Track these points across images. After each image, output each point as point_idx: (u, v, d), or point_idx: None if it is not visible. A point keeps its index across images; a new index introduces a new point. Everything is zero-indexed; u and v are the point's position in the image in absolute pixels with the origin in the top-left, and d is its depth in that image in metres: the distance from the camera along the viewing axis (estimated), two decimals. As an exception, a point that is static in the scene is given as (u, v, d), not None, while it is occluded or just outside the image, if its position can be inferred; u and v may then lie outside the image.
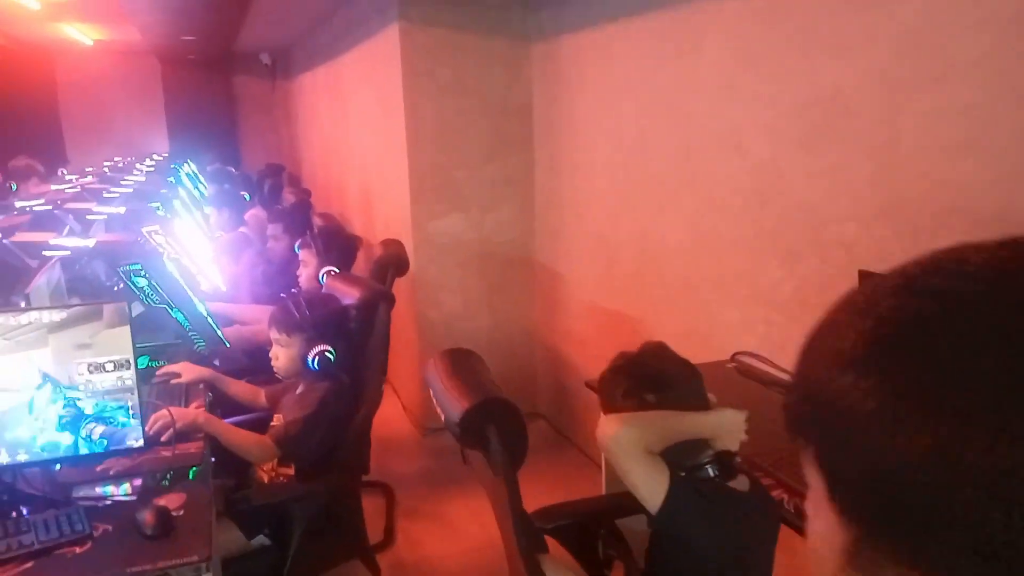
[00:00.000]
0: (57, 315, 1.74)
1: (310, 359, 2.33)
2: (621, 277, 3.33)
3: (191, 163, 8.52)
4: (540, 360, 4.27)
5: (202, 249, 4.24)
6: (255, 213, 5.57)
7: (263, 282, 4.25)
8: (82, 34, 7.30)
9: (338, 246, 3.22)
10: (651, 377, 1.48)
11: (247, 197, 5.81)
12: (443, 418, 1.53)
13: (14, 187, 6.78)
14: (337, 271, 3.15)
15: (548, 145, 3.95)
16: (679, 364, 1.51)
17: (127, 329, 1.78)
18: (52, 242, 2.48)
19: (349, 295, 2.49)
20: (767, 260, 2.43)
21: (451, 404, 1.48)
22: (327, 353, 2.33)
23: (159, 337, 2.75)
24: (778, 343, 2.37)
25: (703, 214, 2.72)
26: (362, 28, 4.82)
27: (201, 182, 8.16)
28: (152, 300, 2.63)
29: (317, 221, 4.24)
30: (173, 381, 2.47)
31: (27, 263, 2.55)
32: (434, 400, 1.59)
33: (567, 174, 3.79)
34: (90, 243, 2.51)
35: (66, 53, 8.77)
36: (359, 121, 5.26)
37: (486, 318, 4.28)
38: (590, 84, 3.50)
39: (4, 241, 2.76)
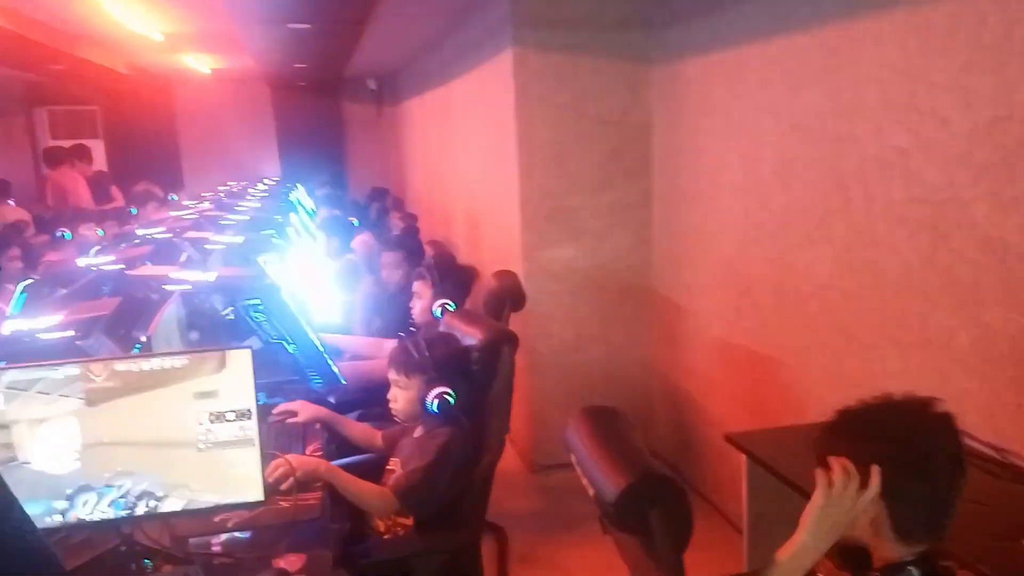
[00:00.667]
0: (179, 361, 1.65)
1: (429, 402, 2.20)
2: (755, 313, 3.08)
3: (301, 186, 8.72)
4: (658, 397, 4.03)
5: (315, 278, 4.22)
6: (363, 239, 5.56)
7: (375, 312, 4.19)
8: (200, 63, 7.56)
9: (453, 278, 3.09)
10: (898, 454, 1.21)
11: (355, 223, 5.81)
12: (590, 493, 1.34)
13: (134, 211, 7.07)
14: (452, 304, 3.02)
15: (669, 170, 3.74)
16: (943, 437, 1.22)
17: (250, 377, 1.68)
18: (173, 275, 2.45)
19: (470, 334, 2.34)
20: (940, 303, 2.14)
21: (603, 480, 1.29)
22: (447, 396, 2.19)
23: (275, 373, 2.68)
24: (955, 398, 2.07)
25: (859, 248, 2.45)
26: (473, 53, 4.74)
27: (311, 207, 8.33)
28: (270, 336, 2.57)
29: (429, 250, 4.14)
30: (289, 420, 2.39)
31: (150, 296, 2.54)
32: (577, 468, 1.41)
33: (690, 200, 3.56)
34: (210, 277, 2.46)
35: (185, 81, 9.14)
36: (467, 146, 5.18)
37: (599, 350, 4.08)
38: (718, 106, 3.27)
39: (128, 273, 2.77)
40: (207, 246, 3.43)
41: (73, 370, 1.60)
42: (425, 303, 3.13)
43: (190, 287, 2.46)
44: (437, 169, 6.53)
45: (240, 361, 1.68)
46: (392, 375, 2.28)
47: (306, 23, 4.42)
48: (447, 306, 3.02)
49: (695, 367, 3.63)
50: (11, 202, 7.00)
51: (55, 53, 5.28)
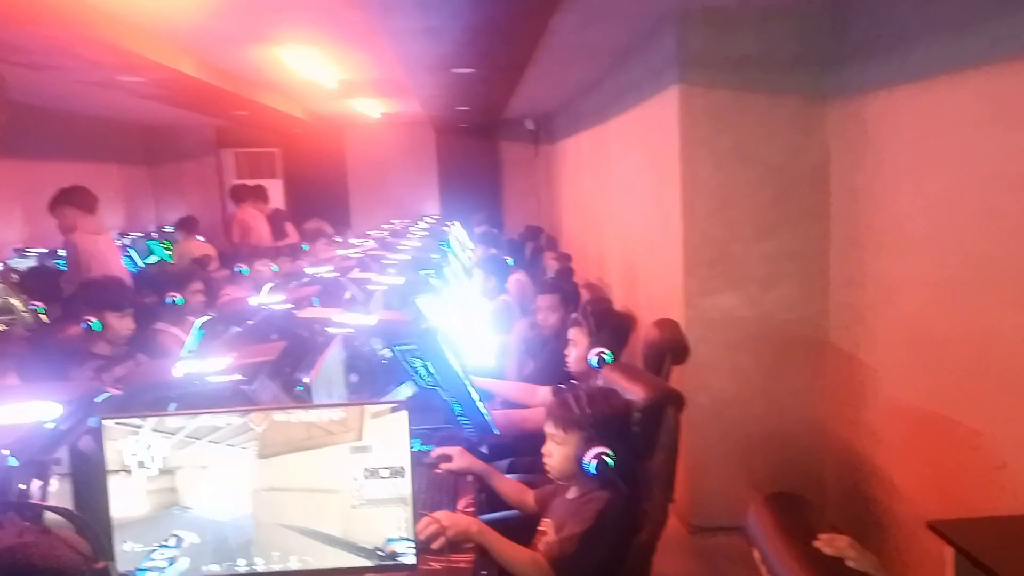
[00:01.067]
0: (337, 413, 1.63)
1: (587, 462, 2.08)
2: (950, 375, 2.74)
3: (459, 224, 8.92)
4: (831, 461, 3.69)
5: (470, 319, 4.23)
6: (518, 278, 5.56)
7: (528, 355, 4.14)
8: (370, 109, 7.94)
9: (611, 326, 2.97)
10: None
11: (510, 262, 5.84)
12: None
13: (306, 247, 7.48)
14: (609, 354, 2.90)
15: (848, 215, 3.46)
16: None
17: (406, 434, 1.63)
18: (336, 318, 2.49)
19: (631, 391, 2.21)
20: None
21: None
22: (606, 457, 2.07)
23: (429, 419, 2.66)
24: None
25: (1087, 312, 2.11)
26: (634, 92, 4.65)
27: (468, 245, 8.49)
28: (424, 381, 2.55)
29: (585, 293, 4.05)
30: (443, 466, 2.35)
31: (315, 337, 2.60)
32: (761, 566, 1.24)
33: (873, 248, 3.26)
34: (371, 321, 2.47)
35: (356, 126, 9.64)
36: (625, 188, 5.07)
37: (761, 405, 3.82)
38: (905, 147, 2.98)
39: (295, 313, 2.86)
40: (369, 286, 3.50)
41: (235, 419, 1.62)
42: (581, 351, 3.03)
43: (352, 330, 2.49)
44: (592, 209, 6.46)
45: (397, 418, 1.64)
46: (549, 428, 2.18)
47: (469, 68, 4.50)
48: (604, 356, 2.91)
49: (875, 429, 3.30)
50: (199, 237, 7.61)
51: (239, 100, 5.70)
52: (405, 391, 2.62)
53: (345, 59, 4.86)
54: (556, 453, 2.16)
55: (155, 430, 1.59)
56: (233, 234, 7.64)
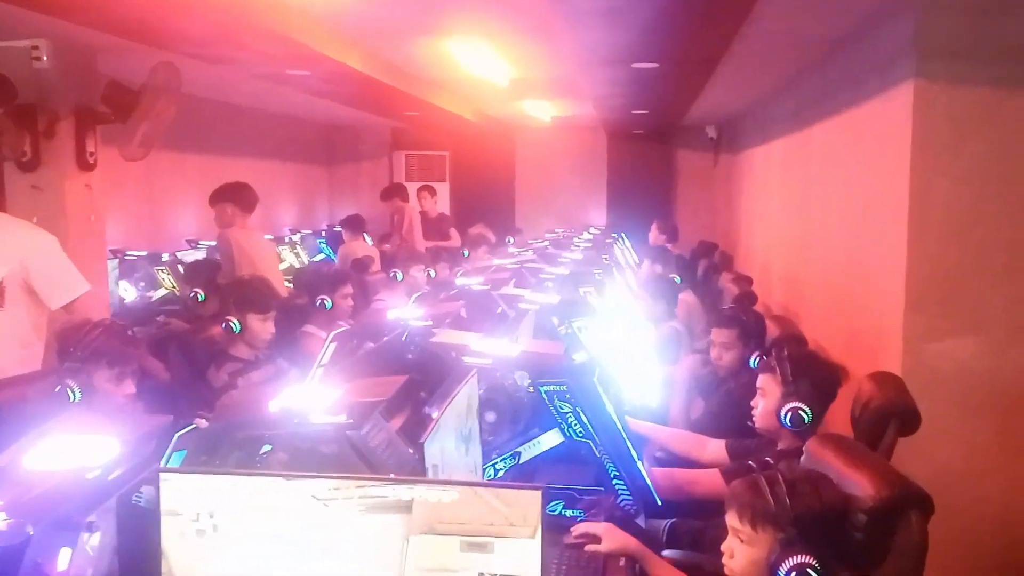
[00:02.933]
0: (448, 494, 1.20)
1: (782, 573, 1.53)
2: None
3: (626, 238, 8.38)
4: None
5: (633, 347, 3.72)
6: (686, 299, 4.96)
7: (697, 394, 3.57)
8: (541, 111, 7.60)
9: (813, 377, 2.35)
10: None
11: (677, 280, 5.22)
12: None
13: (466, 253, 7.24)
14: (807, 412, 2.30)
15: None
16: None
17: (540, 529, 1.17)
18: (474, 346, 2.07)
19: (850, 479, 1.63)
20: None
21: None
22: (810, 570, 1.51)
23: (577, 478, 2.20)
24: None
25: None
26: (847, 91, 3.94)
27: (633, 260, 7.94)
28: (574, 432, 2.08)
29: (772, 327, 3.41)
30: (589, 547, 1.88)
31: (451, 362, 2.20)
32: None
33: None
34: (513, 353, 2.02)
35: (526, 129, 9.35)
36: (827, 203, 4.35)
37: (997, 484, 3.05)
38: None
39: (434, 331, 2.49)
40: (522, 305, 3.08)
41: (303, 485, 1.22)
42: (771, 404, 2.44)
43: (490, 363, 2.06)
44: (781, 226, 5.72)
45: (529, 506, 1.18)
46: (732, 520, 1.64)
47: (653, 62, 3.99)
48: (801, 413, 2.31)
49: None
50: (366, 238, 7.54)
51: (408, 98, 5.51)
52: (550, 439, 2.16)
53: (516, 53, 4.50)
54: (741, 555, 1.62)
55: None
56: (402, 228, 7.54)
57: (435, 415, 1.75)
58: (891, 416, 2.23)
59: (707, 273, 6.38)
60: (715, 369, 3.39)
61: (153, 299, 5.29)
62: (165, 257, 5.38)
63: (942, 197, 2.96)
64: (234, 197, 4.48)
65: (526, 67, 4.87)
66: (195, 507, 1.23)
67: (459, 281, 3.93)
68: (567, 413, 2.08)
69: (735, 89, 5.74)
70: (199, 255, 5.77)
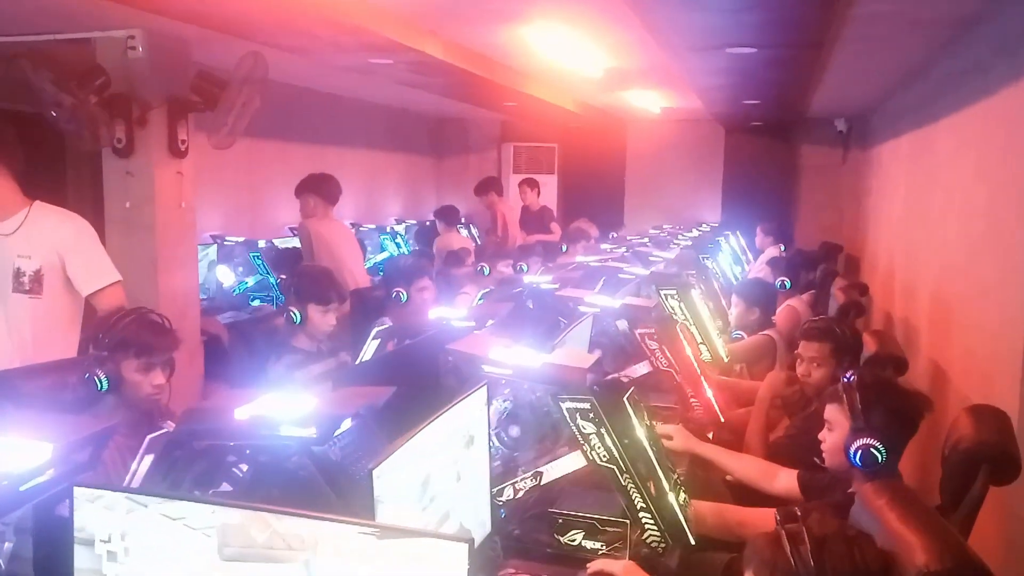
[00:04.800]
0: (355, 539, 1.03)
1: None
2: None
3: (739, 236, 7.91)
4: None
5: (709, 359, 3.45)
6: (791, 309, 4.55)
7: (784, 413, 3.23)
8: (649, 102, 7.27)
9: (887, 408, 2.02)
10: None
11: (787, 284, 4.80)
12: None
13: (564, 248, 7.04)
14: (880, 451, 1.97)
15: None
16: None
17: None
18: (493, 356, 1.91)
19: (900, 540, 1.34)
20: None
21: None
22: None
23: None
24: None
25: None
26: (970, 82, 3.47)
27: (745, 259, 7.48)
28: (598, 456, 1.85)
29: (869, 342, 3.03)
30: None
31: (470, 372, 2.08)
32: None
33: None
34: (534, 364, 1.95)
35: (637, 121, 9.02)
36: (947, 205, 3.86)
37: None
38: None
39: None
40: (582, 308, 2.89)
41: (228, 516, 1.09)
42: (838, 438, 2.12)
43: (509, 372, 1.89)
44: (902, 229, 5.17)
45: (454, 560, 1.00)
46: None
47: (749, 47, 3.65)
48: (874, 451, 1.99)
49: None
50: (462, 230, 7.49)
51: (501, 88, 5.36)
52: (571, 462, 1.95)
53: (604, 41, 4.25)
54: None
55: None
56: (497, 227, 7.45)
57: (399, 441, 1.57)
58: (983, 460, 1.87)
59: (824, 278, 5.87)
60: (802, 387, 3.04)
61: (250, 284, 5.42)
62: (261, 244, 5.50)
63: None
64: (317, 188, 4.50)
65: (617, 56, 4.61)
66: (107, 527, 1.13)
67: (527, 279, 3.75)
68: (591, 435, 1.87)
69: (858, 78, 5.22)
70: (295, 243, 5.88)
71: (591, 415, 1.85)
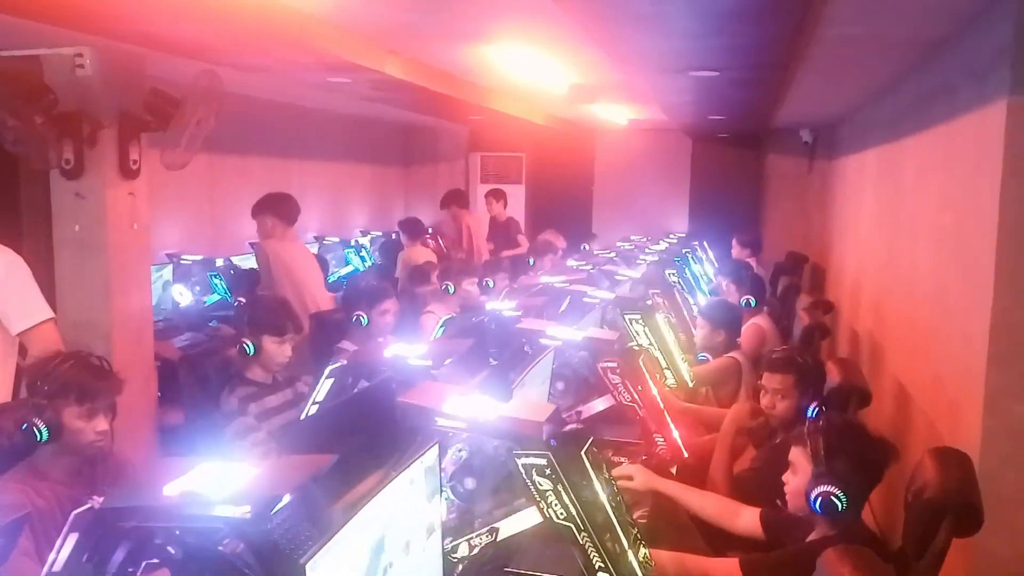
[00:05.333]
0: None
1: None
2: None
3: (708, 248, 7.90)
4: None
5: (674, 384, 3.41)
6: (758, 324, 4.52)
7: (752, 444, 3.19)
8: (615, 114, 7.23)
9: (851, 455, 1.98)
10: None
11: (751, 303, 4.74)
12: None
13: (531, 262, 6.96)
14: (841, 498, 1.93)
15: None
16: None
17: None
18: (448, 408, 1.84)
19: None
20: None
21: None
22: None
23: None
24: None
25: None
26: (938, 104, 3.46)
27: (710, 269, 7.46)
28: (555, 513, 1.79)
29: (833, 372, 2.99)
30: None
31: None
32: None
33: None
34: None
35: (605, 131, 8.98)
36: (915, 226, 3.85)
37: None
38: None
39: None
40: (543, 340, 2.83)
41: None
42: (800, 483, 2.08)
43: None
44: (871, 246, 5.18)
45: None
46: None
47: (712, 71, 3.61)
48: (835, 499, 1.95)
49: None
50: (429, 242, 7.37)
51: (466, 105, 5.29)
52: (528, 518, 1.88)
53: (569, 60, 4.19)
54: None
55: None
56: (462, 240, 7.35)
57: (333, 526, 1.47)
58: (946, 512, 1.84)
59: (787, 293, 5.84)
60: (767, 419, 3.00)
61: (206, 304, 5.28)
62: (219, 262, 5.36)
63: (1038, 232, 2.49)
64: (274, 208, 4.39)
65: (582, 73, 4.56)
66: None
67: (489, 306, 3.68)
68: (547, 491, 1.80)
69: (825, 96, 5.22)
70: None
71: (548, 471, 1.78)
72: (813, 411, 2.74)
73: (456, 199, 7.31)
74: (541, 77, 4.56)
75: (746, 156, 8.79)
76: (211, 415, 3.15)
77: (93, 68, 3.80)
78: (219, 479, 1.44)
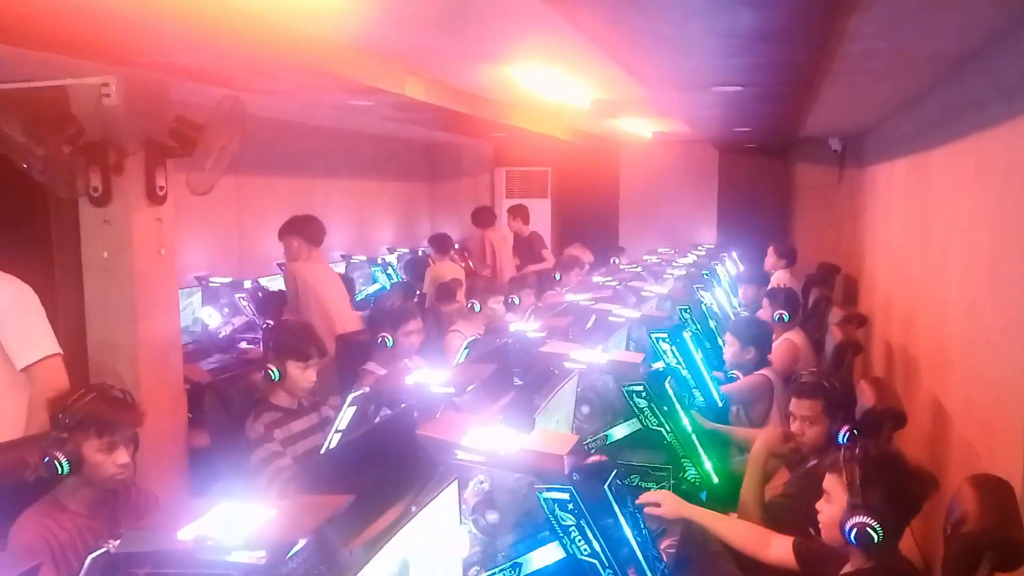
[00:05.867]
0: None
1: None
2: None
3: (735, 258, 7.80)
4: None
5: (703, 404, 3.34)
6: (791, 340, 4.42)
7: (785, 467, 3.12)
8: (639, 128, 7.19)
9: (889, 486, 1.91)
10: None
11: (785, 318, 4.63)
12: None
13: (558, 276, 6.92)
14: (877, 529, 1.87)
15: None
16: None
17: None
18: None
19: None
20: None
21: None
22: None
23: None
24: None
25: None
26: (968, 115, 3.37)
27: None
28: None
29: (868, 393, 2.91)
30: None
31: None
32: None
33: None
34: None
35: (630, 145, 8.93)
36: (945, 243, 3.76)
37: None
38: None
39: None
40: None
41: None
42: (835, 512, 2.01)
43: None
44: (902, 259, 5.07)
45: None
46: None
47: (736, 86, 3.56)
48: (871, 530, 1.88)
49: None
50: (455, 257, 7.36)
51: (489, 123, 5.28)
52: (549, 554, 1.84)
53: (591, 77, 4.17)
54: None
55: None
56: (486, 257, 7.33)
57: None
58: (986, 547, 1.76)
59: (818, 305, 5.71)
60: (798, 445, 2.92)
61: (236, 326, 5.32)
62: (247, 284, 5.40)
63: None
64: (299, 230, 4.41)
65: (604, 89, 4.53)
66: None
67: (513, 327, 3.65)
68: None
69: (854, 106, 5.14)
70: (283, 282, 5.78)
71: (570, 506, 1.75)
72: (844, 437, 2.66)
73: (476, 217, 7.31)
74: (563, 94, 4.54)
75: (774, 166, 8.68)
76: (237, 439, 3.15)
77: (118, 97, 3.85)
78: (235, 522, 1.43)
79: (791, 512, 2.64)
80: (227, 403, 3.29)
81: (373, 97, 4.04)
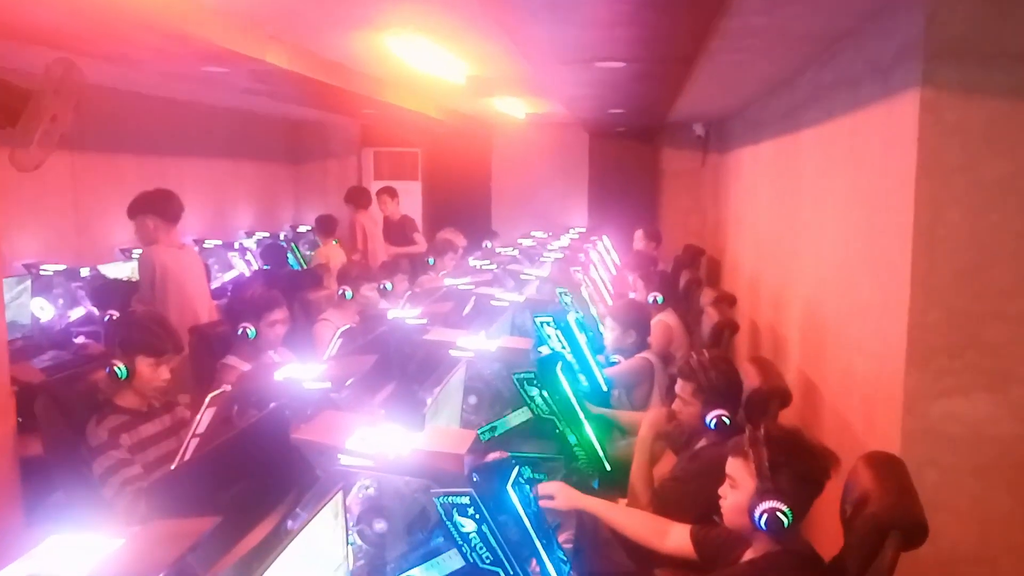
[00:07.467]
0: None
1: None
2: None
3: (607, 240, 7.86)
4: None
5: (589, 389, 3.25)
6: (665, 322, 4.43)
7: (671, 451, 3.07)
8: (513, 108, 7.07)
9: (796, 468, 1.86)
10: None
11: (659, 300, 4.65)
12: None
13: (431, 261, 6.71)
14: (788, 513, 1.82)
15: None
16: None
17: None
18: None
19: None
20: None
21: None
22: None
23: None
24: None
25: None
26: (841, 95, 3.44)
27: (613, 264, 7.42)
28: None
29: (753, 375, 2.90)
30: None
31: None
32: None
33: None
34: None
35: (503, 126, 8.83)
36: (819, 222, 3.85)
37: (1015, 565, 2.56)
38: None
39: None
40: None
41: None
42: (742, 498, 1.94)
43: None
44: (769, 242, 5.21)
45: None
46: None
47: (619, 62, 3.48)
48: (780, 515, 1.83)
49: None
50: (335, 241, 6.97)
51: (356, 97, 4.99)
52: (451, 562, 1.66)
53: (468, 50, 3.98)
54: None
55: None
56: (357, 241, 7.01)
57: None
58: (892, 528, 1.74)
59: (689, 288, 5.81)
60: (682, 425, 2.87)
61: (72, 320, 4.77)
62: (84, 272, 4.85)
63: (954, 227, 2.46)
64: (154, 207, 3.94)
65: (482, 64, 4.35)
66: None
67: (391, 315, 3.42)
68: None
69: (724, 87, 5.21)
70: (127, 269, 5.24)
71: (471, 511, 1.57)
72: (712, 421, 2.61)
73: (351, 197, 6.96)
74: (437, 67, 4.32)
75: (642, 150, 8.82)
76: (76, 447, 2.76)
77: (-77, 56, 3.32)
78: (71, 559, 1.16)
79: (681, 496, 2.60)
80: (64, 406, 2.87)
81: (230, 64, 3.66)
